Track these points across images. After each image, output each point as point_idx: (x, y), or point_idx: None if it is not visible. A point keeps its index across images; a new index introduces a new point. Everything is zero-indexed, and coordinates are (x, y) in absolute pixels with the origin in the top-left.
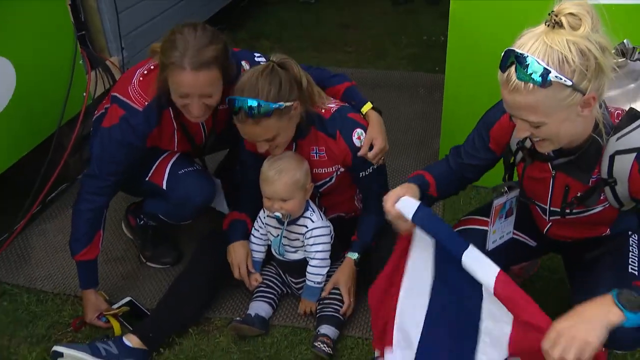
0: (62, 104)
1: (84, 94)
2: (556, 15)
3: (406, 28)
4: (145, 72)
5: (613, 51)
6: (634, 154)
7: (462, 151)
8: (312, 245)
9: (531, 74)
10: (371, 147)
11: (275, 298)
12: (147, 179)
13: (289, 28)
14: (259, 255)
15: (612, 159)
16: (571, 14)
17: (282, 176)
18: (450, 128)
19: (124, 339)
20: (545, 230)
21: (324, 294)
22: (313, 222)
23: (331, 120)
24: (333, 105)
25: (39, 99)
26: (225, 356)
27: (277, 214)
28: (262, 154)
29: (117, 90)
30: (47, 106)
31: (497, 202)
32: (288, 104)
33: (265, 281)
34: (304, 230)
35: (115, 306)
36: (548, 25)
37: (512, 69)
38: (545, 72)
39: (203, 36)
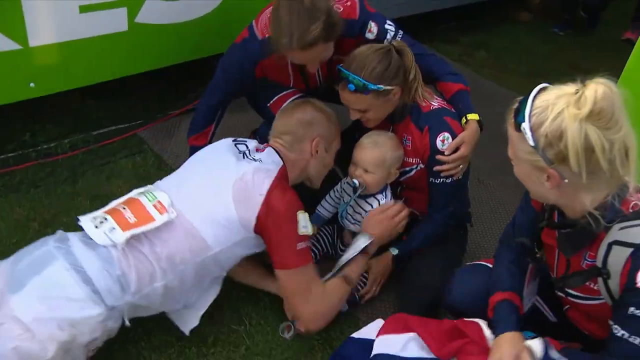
0: None
1: None
2: (584, 86)
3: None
4: None
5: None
6: (630, 250)
7: (516, 221)
8: None
9: (518, 114)
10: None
11: (317, 253)
12: (268, 104)
13: (518, 50)
14: (326, 214)
15: (609, 247)
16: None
17: (374, 148)
18: None
19: None
20: (566, 308)
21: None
22: (380, 205)
23: (426, 115)
24: (435, 103)
25: (238, 15)
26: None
27: (355, 181)
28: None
29: (259, 13)
30: (242, 23)
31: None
32: (388, 87)
33: (317, 236)
34: (368, 208)
35: None
36: (576, 92)
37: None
38: (522, 119)
39: (303, 19)
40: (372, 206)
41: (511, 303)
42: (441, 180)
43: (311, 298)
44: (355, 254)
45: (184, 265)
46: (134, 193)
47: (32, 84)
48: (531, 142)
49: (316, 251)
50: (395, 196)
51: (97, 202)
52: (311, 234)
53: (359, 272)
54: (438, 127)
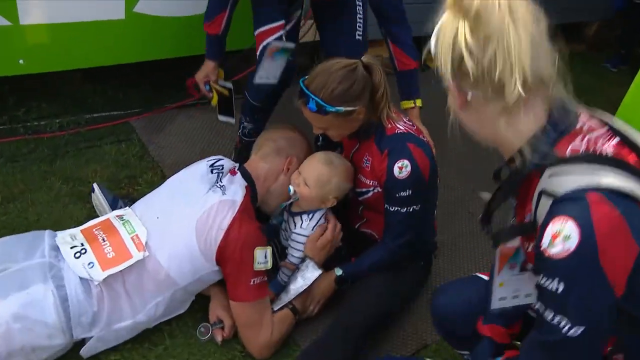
0: None
1: None
2: None
3: None
4: None
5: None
6: (550, 201)
7: None
8: (291, 247)
9: None
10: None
11: None
12: (255, 33)
13: None
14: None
15: (539, 197)
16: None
17: (325, 165)
18: None
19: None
20: None
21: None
22: (302, 227)
23: (389, 138)
24: (402, 127)
25: (239, 16)
26: None
27: (291, 187)
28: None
29: None
30: (241, 24)
31: (504, 247)
32: (349, 108)
33: None
34: (292, 225)
35: (220, 83)
36: None
37: None
38: None
39: None
40: (295, 225)
41: (491, 342)
42: (395, 208)
43: (262, 331)
44: (306, 287)
45: (154, 299)
46: (112, 215)
47: (21, 61)
48: (433, 49)
49: None
50: (357, 215)
51: (68, 184)
52: (269, 268)
53: (305, 298)
54: (398, 153)
